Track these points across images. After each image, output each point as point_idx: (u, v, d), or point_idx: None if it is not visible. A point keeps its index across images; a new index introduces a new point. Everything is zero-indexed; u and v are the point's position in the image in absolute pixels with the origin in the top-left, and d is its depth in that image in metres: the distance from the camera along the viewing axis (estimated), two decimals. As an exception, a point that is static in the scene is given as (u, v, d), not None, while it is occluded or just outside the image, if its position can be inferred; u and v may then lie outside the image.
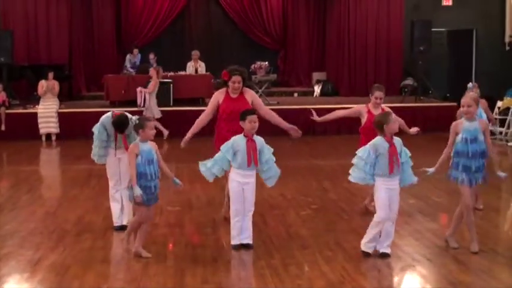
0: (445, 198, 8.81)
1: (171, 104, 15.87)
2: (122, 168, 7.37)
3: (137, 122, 6.56)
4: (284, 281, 5.69)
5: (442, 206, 8.54)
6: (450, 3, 19.55)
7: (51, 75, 15.24)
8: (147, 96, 14.98)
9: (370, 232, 6.30)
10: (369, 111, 7.94)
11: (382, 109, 7.81)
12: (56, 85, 15.33)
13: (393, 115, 6.48)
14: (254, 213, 7.96)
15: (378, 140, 6.34)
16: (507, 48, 19.45)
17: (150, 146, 6.42)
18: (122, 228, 7.20)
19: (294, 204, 8.53)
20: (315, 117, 8.46)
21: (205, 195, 9.15)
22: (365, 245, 6.33)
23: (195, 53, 17.47)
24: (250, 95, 7.66)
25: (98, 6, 19.68)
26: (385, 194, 6.24)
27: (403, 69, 19.07)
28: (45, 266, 6.12)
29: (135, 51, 18.56)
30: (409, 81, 18.57)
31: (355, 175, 6.58)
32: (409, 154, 6.57)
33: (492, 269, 5.96)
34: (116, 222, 7.42)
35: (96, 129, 7.49)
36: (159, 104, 15.55)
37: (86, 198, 9.15)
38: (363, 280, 5.69)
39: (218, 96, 7.68)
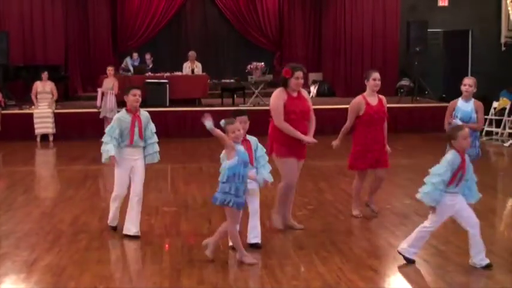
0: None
1: (167, 104, 15.86)
2: (136, 177, 7.24)
3: (227, 121, 6.30)
4: (280, 281, 5.69)
5: (438, 206, 8.53)
6: (446, 4, 19.57)
7: (45, 75, 15.17)
8: (113, 97, 14.86)
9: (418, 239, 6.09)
10: (366, 103, 7.76)
11: (380, 99, 7.78)
12: (52, 86, 15.26)
13: (466, 130, 6.05)
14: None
15: (453, 155, 5.99)
16: (503, 48, 19.49)
17: (244, 149, 6.22)
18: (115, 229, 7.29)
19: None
20: (336, 142, 8.22)
21: (201, 196, 9.14)
22: (407, 250, 6.12)
23: (192, 54, 17.47)
24: (306, 93, 7.43)
25: (94, 6, 19.68)
26: (445, 212, 6.01)
27: (399, 70, 19.09)
28: (41, 267, 6.11)
29: (135, 55, 18.60)
30: (405, 82, 18.59)
31: (432, 196, 5.91)
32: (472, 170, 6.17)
33: (489, 270, 5.96)
34: (112, 222, 7.39)
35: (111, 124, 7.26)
36: (156, 104, 15.56)
37: (81, 199, 9.13)
38: (359, 281, 5.69)
39: (281, 96, 7.15)
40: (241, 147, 6.19)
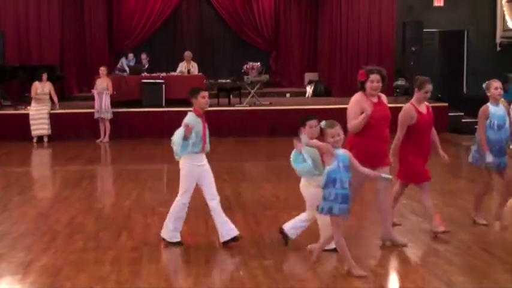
0: (438, 199, 8.80)
1: (163, 104, 15.83)
2: (209, 178, 6.88)
3: (328, 125, 5.91)
4: (277, 281, 5.67)
5: (435, 206, 8.53)
6: (442, 4, 19.60)
7: (45, 76, 15.10)
8: (108, 97, 14.81)
9: None
10: (417, 111, 7.09)
11: (427, 106, 7.27)
12: (51, 87, 15.20)
13: None
14: (247, 213, 7.99)
15: None
16: (498, 48, 19.52)
17: (345, 152, 5.87)
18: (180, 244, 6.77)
19: (287, 205, 8.50)
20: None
21: (198, 197, 9.09)
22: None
23: (188, 54, 17.45)
24: (386, 98, 6.92)
25: (90, 6, 19.62)
26: None
27: (395, 70, 19.08)
28: (37, 268, 6.09)
29: (130, 55, 18.54)
30: (401, 82, 18.59)
31: None
32: None
33: (485, 269, 5.96)
34: (175, 237, 6.78)
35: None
36: (152, 105, 15.57)
37: (77, 199, 9.11)
38: (356, 281, 5.67)
39: (361, 101, 6.63)
40: (340, 151, 5.84)
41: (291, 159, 6.52)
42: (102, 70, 15.01)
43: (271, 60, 21.00)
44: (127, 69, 18.02)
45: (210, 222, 7.67)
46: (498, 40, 19.55)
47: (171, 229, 6.75)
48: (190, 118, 6.73)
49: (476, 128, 7.66)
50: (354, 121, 6.58)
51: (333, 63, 19.40)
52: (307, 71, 20.55)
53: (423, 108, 7.16)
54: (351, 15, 19.08)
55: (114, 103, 15.27)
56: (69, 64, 18.77)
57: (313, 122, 6.27)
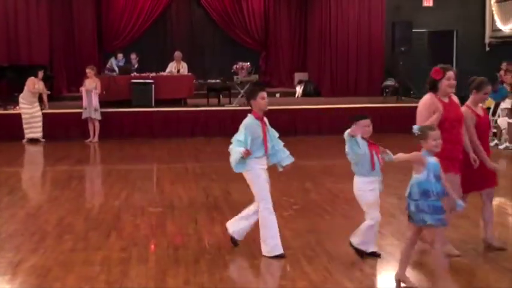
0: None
1: (153, 104, 15.82)
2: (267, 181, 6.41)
3: (428, 128, 5.56)
4: (267, 281, 5.68)
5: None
6: (431, 4, 19.69)
7: (41, 74, 14.96)
8: (96, 97, 14.74)
9: None
10: (476, 114, 6.56)
11: (483, 109, 6.82)
12: (43, 86, 15.16)
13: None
14: (236, 213, 7.96)
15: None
16: (487, 49, 19.62)
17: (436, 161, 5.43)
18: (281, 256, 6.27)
19: (276, 205, 8.40)
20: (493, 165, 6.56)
21: (187, 196, 9.12)
22: None
23: (178, 54, 17.45)
24: (456, 98, 6.44)
25: (79, 6, 19.58)
26: None
27: (385, 70, 19.17)
28: (26, 268, 6.07)
29: (120, 55, 18.50)
30: (390, 82, 18.67)
31: None
32: None
33: (473, 268, 5.99)
34: (278, 250, 6.27)
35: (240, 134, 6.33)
36: (141, 105, 15.56)
37: (66, 200, 9.08)
38: (346, 280, 5.69)
39: (433, 103, 6.23)
40: (432, 160, 5.42)
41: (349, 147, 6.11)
42: (89, 72, 14.89)
43: (261, 60, 21.03)
44: (116, 69, 18.00)
45: (199, 221, 7.68)
46: (487, 40, 19.67)
47: (269, 243, 6.28)
48: (249, 121, 6.33)
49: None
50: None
51: (323, 64, 19.45)
52: (297, 71, 20.59)
53: (480, 110, 6.68)
54: (340, 15, 19.15)
55: (103, 103, 15.24)
56: (58, 64, 18.72)
57: (366, 122, 6.13)
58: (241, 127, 6.32)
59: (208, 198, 8.97)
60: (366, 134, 6.12)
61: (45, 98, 15.18)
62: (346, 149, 6.10)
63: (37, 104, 14.92)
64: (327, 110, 16.11)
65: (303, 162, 11.95)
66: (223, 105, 16.25)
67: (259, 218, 6.35)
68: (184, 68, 17.32)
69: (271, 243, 6.24)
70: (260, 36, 21.00)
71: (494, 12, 19.28)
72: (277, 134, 6.62)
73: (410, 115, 16.88)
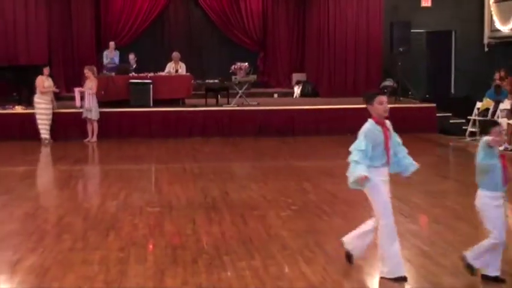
0: (423, 200, 8.88)
1: (151, 104, 15.81)
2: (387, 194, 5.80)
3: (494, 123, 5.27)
4: (265, 282, 5.69)
5: (421, 207, 8.61)
6: (429, 4, 19.71)
7: (46, 70, 14.75)
8: (91, 97, 14.66)
9: None
10: None
11: None
12: (52, 83, 14.93)
13: None
14: (234, 213, 8.00)
15: None
16: (486, 49, 19.65)
17: None
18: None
19: (274, 205, 8.53)
20: None
21: (185, 196, 9.13)
22: None
23: (176, 54, 17.43)
24: None
25: (77, 6, 19.55)
26: None
27: (383, 70, 19.17)
28: (25, 268, 6.08)
29: (111, 44, 18.20)
30: (388, 82, 18.67)
31: None
32: None
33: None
34: (399, 271, 5.69)
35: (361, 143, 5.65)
36: (139, 105, 15.56)
37: (65, 199, 9.09)
38: (344, 281, 5.71)
39: None
40: None
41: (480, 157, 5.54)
42: (87, 72, 14.84)
43: (259, 61, 21.02)
44: (105, 62, 17.71)
45: (197, 221, 7.69)
46: (486, 40, 19.69)
47: (388, 264, 5.71)
48: (369, 127, 5.68)
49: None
50: None
51: (321, 64, 19.45)
52: (295, 72, 20.60)
53: None
54: (339, 15, 19.15)
55: (102, 103, 15.25)
56: (57, 64, 18.70)
57: (499, 128, 5.57)
58: (361, 134, 5.67)
59: (206, 198, 8.99)
60: (498, 144, 5.53)
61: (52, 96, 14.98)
62: (479, 159, 5.51)
63: (50, 100, 14.73)
64: (325, 110, 16.13)
65: (301, 163, 11.99)
66: (221, 106, 16.26)
67: (378, 235, 5.75)
68: (182, 68, 17.32)
69: (390, 263, 5.68)
70: (258, 37, 21.01)
71: (492, 12, 19.30)
72: (400, 140, 6.00)
73: (409, 116, 17.10)
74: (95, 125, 14.70)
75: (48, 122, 14.61)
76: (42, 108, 14.59)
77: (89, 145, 14.48)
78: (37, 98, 14.57)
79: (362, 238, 5.97)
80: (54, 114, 14.83)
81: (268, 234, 7.18)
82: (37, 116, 14.55)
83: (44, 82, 14.54)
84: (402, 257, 5.93)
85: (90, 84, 14.67)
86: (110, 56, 18.12)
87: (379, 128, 5.68)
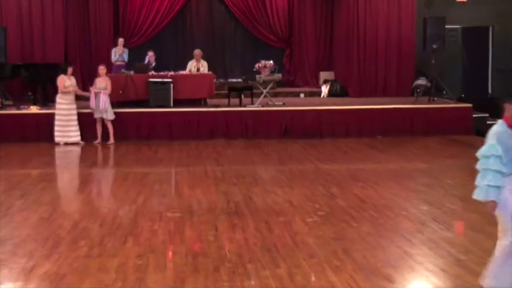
0: (459, 205, 8.80)
1: (171, 105, 15.84)
2: None
3: None
4: (290, 291, 5.68)
5: (456, 213, 8.53)
6: (465, -2, 19.56)
7: (70, 70, 14.78)
8: (106, 97, 14.70)
9: None
10: None
11: None
12: (75, 83, 14.97)
13: None
14: (258, 219, 8.00)
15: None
16: (525, 46, 19.44)
17: None
18: None
19: (301, 211, 8.52)
20: None
21: (206, 201, 9.14)
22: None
23: (198, 52, 17.42)
24: None
25: (95, 2, 19.70)
26: None
27: (415, 69, 19.05)
28: (39, 275, 6.12)
29: (120, 41, 17.86)
30: (421, 81, 18.55)
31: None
32: None
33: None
34: None
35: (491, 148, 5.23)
36: (159, 105, 15.60)
37: (82, 204, 9.15)
38: (373, 291, 5.68)
39: None
40: None
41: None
42: (101, 69, 14.91)
43: (285, 59, 20.99)
44: (114, 59, 17.61)
45: (219, 227, 7.70)
46: (526, 37, 19.48)
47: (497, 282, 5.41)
48: (500, 130, 5.29)
49: None
50: None
51: (350, 62, 19.35)
52: (322, 70, 20.53)
53: None
54: (369, 10, 19.05)
55: (120, 103, 15.31)
56: (73, 62, 18.76)
57: None
58: (491, 137, 5.29)
59: (228, 203, 8.99)
60: None
61: (80, 93, 15.04)
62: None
63: (73, 100, 14.78)
64: (354, 111, 16.06)
65: (328, 166, 11.95)
66: (244, 106, 16.25)
67: (497, 250, 5.41)
68: (204, 67, 17.33)
69: (497, 282, 5.39)
70: (284, 33, 20.99)
71: (532, 7, 19.12)
72: None
73: (443, 117, 16.95)
74: (110, 126, 14.74)
75: (72, 123, 14.63)
76: (62, 109, 14.64)
77: (108, 147, 14.48)
78: (58, 98, 14.66)
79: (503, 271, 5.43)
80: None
81: (294, 242, 7.16)
82: (56, 117, 14.63)
83: (65, 81, 14.59)
84: (436, 266, 5.88)
85: (104, 83, 14.73)
86: (118, 53, 17.91)
87: (510, 131, 5.31)
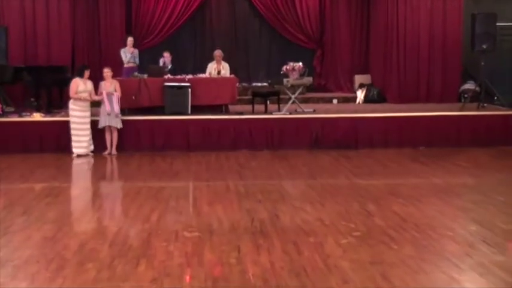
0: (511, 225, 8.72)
1: (189, 112, 15.87)
2: None
3: None
4: (321, 321, 5.65)
5: (509, 234, 8.44)
6: (519, -8, 19.44)
7: (87, 73, 14.71)
8: (117, 101, 14.74)
9: None
10: None
11: None
12: (93, 87, 14.88)
13: None
14: (286, 240, 7.97)
15: None
16: None
17: None
18: None
19: (333, 231, 8.48)
20: None
21: (228, 219, 9.13)
22: None
23: (218, 53, 17.47)
24: None
25: (106, 0, 19.87)
26: None
27: (463, 72, 18.96)
28: (42, 301, 6.15)
29: (130, 40, 17.92)
30: (469, 86, 18.46)
31: None
32: None
33: None
34: None
35: None
36: (176, 112, 15.63)
37: (89, 222, 9.18)
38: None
39: None
40: None
41: None
42: (107, 72, 14.89)
43: (316, 60, 21.02)
44: (125, 60, 17.67)
45: (242, 249, 7.68)
46: None
47: None
48: None
49: None
50: None
51: (389, 64, 19.32)
52: (357, 73, 20.52)
53: None
54: (410, 6, 19.00)
55: (132, 110, 15.38)
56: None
57: None
58: None
59: (253, 221, 8.97)
60: None
61: (95, 98, 14.85)
62: None
63: (88, 107, 14.72)
64: (393, 118, 15.99)
65: (365, 181, 11.89)
66: (271, 113, 16.26)
67: None
68: (225, 69, 17.37)
69: None
70: (315, 32, 21.01)
71: None
72: None
73: (494, 125, 16.82)
74: (115, 134, 14.78)
75: (85, 133, 14.65)
76: (76, 116, 14.60)
77: (116, 159, 14.59)
78: (71, 104, 14.62)
79: None
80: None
81: (326, 265, 7.13)
82: (71, 126, 14.62)
83: (78, 86, 14.51)
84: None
85: (113, 87, 14.77)
86: (128, 54, 17.88)
87: None
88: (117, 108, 14.73)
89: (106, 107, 14.63)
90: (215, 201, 10.33)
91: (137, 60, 17.82)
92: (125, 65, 17.66)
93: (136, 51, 17.88)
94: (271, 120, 15.79)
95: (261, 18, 21.04)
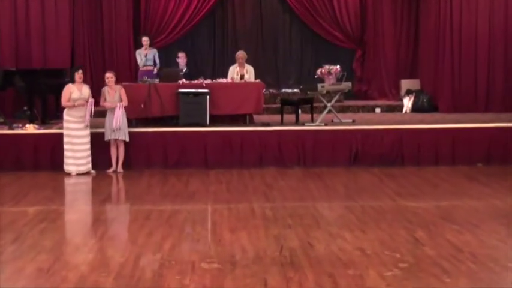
0: None
1: (207, 123, 15.89)
2: None
3: None
4: None
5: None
6: None
7: (78, 76, 14.60)
8: (122, 112, 14.76)
9: None
10: None
11: None
12: (89, 92, 14.81)
13: None
14: (320, 272, 7.96)
15: None
16: None
17: None
18: None
19: (376, 262, 8.46)
20: None
21: (252, 248, 9.14)
22: None
23: (241, 54, 17.51)
24: None
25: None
26: None
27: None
28: None
29: (145, 40, 18.11)
30: (536, 93, 18.39)
31: None
32: None
33: None
34: None
35: None
36: (191, 123, 15.66)
37: (91, 250, 9.22)
38: None
39: None
40: None
41: None
42: (109, 77, 14.86)
43: (355, 63, 21.06)
44: (141, 63, 17.66)
45: (269, 282, 7.68)
46: None
47: None
48: None
49: None
50: None
51: (440, 68, 19.30)
52: (404, 78, 20.50)
53: None
54: (466, 3, 18.96)
55: (141, 121, 15.45)
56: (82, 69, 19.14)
57: None
58: None
59: (281, 251, 8.97)
60: None
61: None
62: None
63: (84, 116, 14.58)
64: (446, 130, 15.95)
65: (413, 203, 11.86)
66: (302, 124, 16.28)
67: None
68: (250, 74, 17.40)
69: None
70: (354, 30, 21.04)
71: None
72: None
73: None
74: (122, 149, 14.78)
75: (83, 148, 14.62)
76: (71, 129, 14.59)
77: (119, 177, 14.64)
78: (65, 114, 14.60)
79: None
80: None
81: (367, 300, 7.13)
82: (64, 139, 14.61)
83: (71, 92, 14.47)
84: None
85: (117, 95, 14.78)
86: (144, 54, 17.92)
87: None
88: (116, 122, 14.64)
89: (112, 121, 14.66)
90: (238, 227, 10.34)
91: (157, 61, 17.92)
92: (141, 68, 17.77)
93: (153, 52, 18.04)
94: (303, 133, 15.79)
95: (292, 13, 21.09)
